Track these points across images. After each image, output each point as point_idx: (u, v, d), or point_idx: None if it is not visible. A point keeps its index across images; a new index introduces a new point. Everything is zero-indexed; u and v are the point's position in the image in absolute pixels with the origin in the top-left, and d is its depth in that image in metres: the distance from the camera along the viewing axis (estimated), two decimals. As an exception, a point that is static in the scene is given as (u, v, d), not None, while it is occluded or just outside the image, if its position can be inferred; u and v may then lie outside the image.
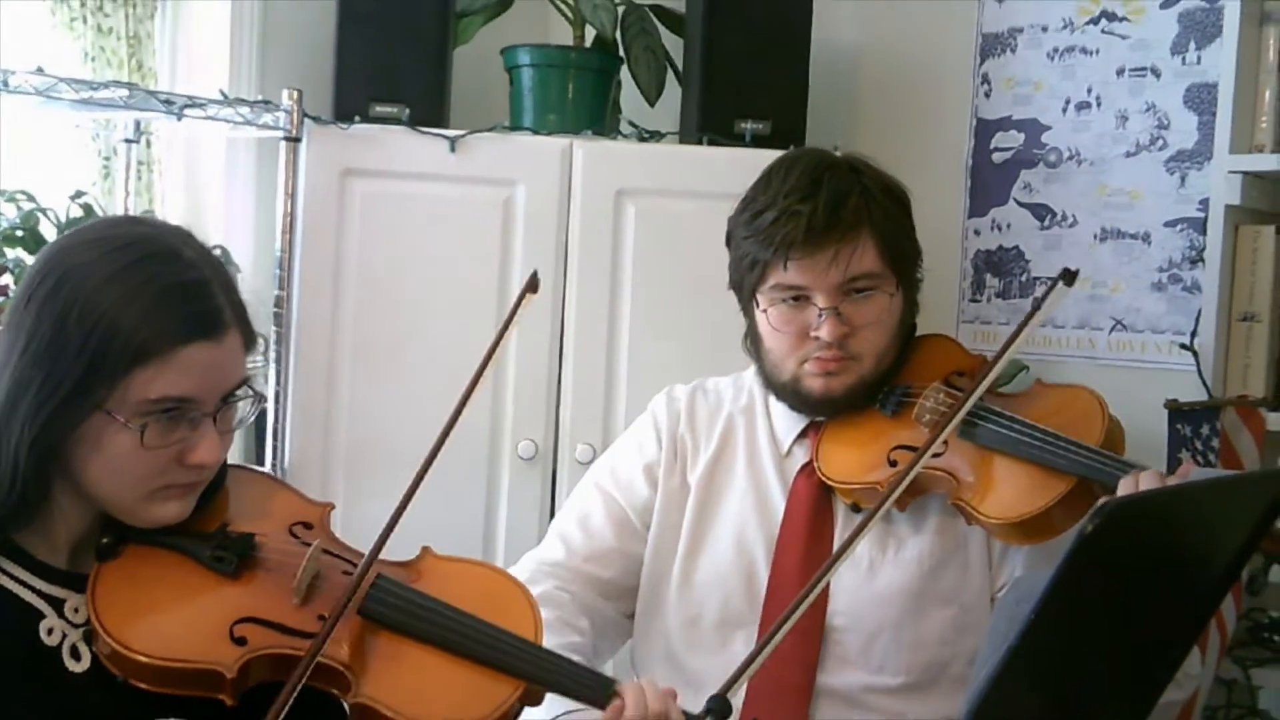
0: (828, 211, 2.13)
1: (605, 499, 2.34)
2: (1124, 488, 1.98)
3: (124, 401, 1.57)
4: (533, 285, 1.85)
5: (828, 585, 2.15)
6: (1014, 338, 2.03)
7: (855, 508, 2.21)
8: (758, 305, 2.21)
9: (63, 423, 1.57)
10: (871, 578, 2.17)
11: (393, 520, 1.71)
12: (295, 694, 1.58)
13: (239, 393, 1.67)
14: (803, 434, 2.29)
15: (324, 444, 3.09)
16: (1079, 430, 2.10)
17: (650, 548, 2.31)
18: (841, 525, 2.22)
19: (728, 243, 2.28)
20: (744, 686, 2.08)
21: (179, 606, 1.65)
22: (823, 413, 2.25)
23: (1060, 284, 2.02)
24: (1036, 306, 2.04)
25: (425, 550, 1.85)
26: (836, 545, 2.20)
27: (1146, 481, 1.97)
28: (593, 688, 1.74)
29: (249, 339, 1.68)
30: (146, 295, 1.58)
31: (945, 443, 2.11)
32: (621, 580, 2.31)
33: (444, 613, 1.73)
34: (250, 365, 1.70)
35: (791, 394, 2.24)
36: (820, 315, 2.15)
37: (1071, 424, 2.11)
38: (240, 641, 1.62)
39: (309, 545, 1.73)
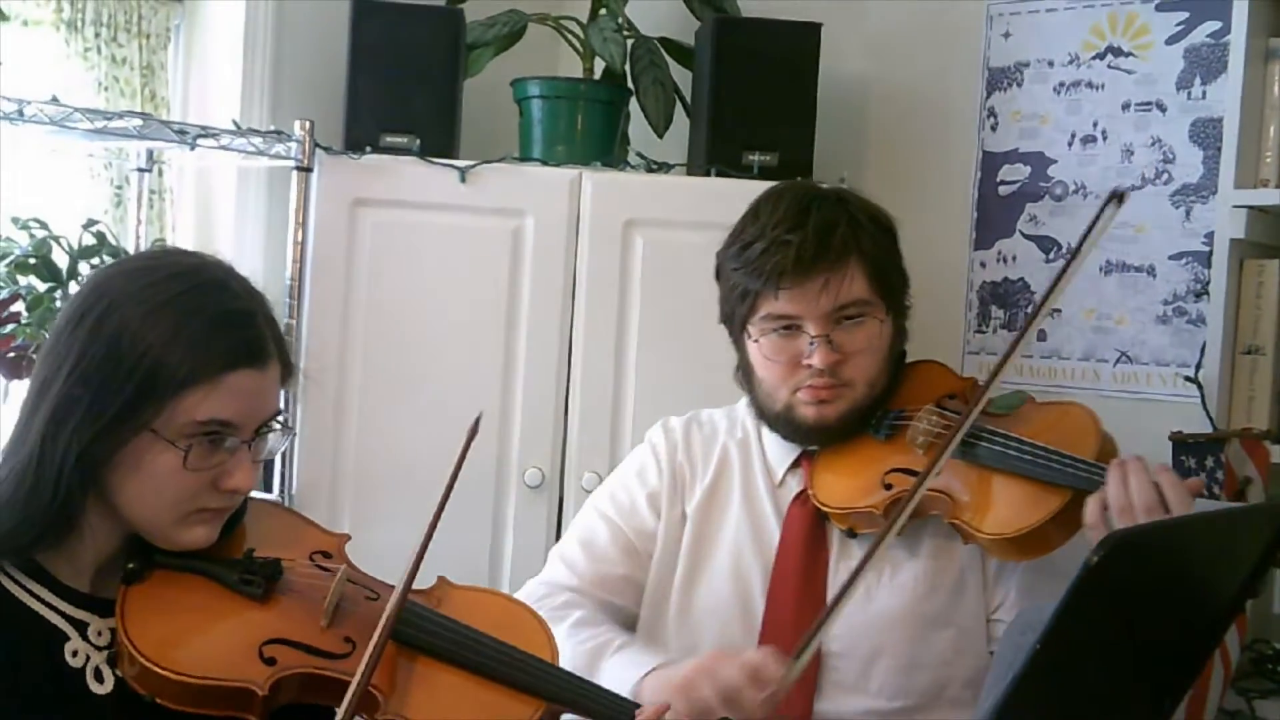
0: (816, 240, 2.15)
1: (609, 525, 2.34)
2: (1112, 482, 1.99)
3: (171, 423, 1.62)
4: (475, 429, 1.87)
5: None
6: (1052, 289, 2.03)
7: (850, 533, 2.22)
8: (749, 336, 2.23)
9: (110, 440, 1.61)
10: (867, 602, 2.18)
11: (421, 549, 1.73)
12: (351, 717, 1.61)
13: (273, 423, 1.71)
14: (796, 463, 2.30)
15: (332, 472, 3.10)
16: (1073, 445, 2.12)
17: (651, 577, 2.32)
18: (836, 552, 2.23)
19: (717, 276, 2.30)
20: None
21: (208, 627, 1.68)
22: (816, 441, 2.26)
23: (1111, 204, 2.00)
24: (1089, 229, 2.01)
25: (441, 579, 1.89)
26: (832, 572, 2.21)
27: (1134, 472, 1.98)
28: (612, 707, 1.78)
29: (287, 371, 1.73)
30: (196, 323, 1.63)
31: (942, 466, 2.12)
32: (628, 608, 2.32)
33: (469, 635, 1.77)
34: None
35: (785, 423, 2.26)
36: (812, 343, 2.17)
37: (1065, 439, 2.13)
38: (270, 661, 1.65)
39: (331, 571, 1.78)
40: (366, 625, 1.70)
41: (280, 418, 1.73)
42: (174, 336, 1.61)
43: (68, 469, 1.60)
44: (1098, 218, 2.00)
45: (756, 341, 2.22)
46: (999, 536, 2.09)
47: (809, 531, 2.24)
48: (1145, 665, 1.66)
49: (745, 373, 2.30)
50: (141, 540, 1.70)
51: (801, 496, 2.26)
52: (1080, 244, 2.02)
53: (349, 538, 1.89)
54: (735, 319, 2.26)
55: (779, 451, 2.32)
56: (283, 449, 1.77)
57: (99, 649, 1.67)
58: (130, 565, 1.69)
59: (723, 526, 2.30)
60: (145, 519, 1.67)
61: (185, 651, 1.63)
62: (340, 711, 1.61)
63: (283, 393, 1.74)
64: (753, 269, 2.18)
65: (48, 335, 1.70)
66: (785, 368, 2.20)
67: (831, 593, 2.17)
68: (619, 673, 2.04)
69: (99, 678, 1.65)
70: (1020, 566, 2.18)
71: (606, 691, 1.82)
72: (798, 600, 2.19)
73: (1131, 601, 1.51)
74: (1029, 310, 3.36)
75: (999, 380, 2.08)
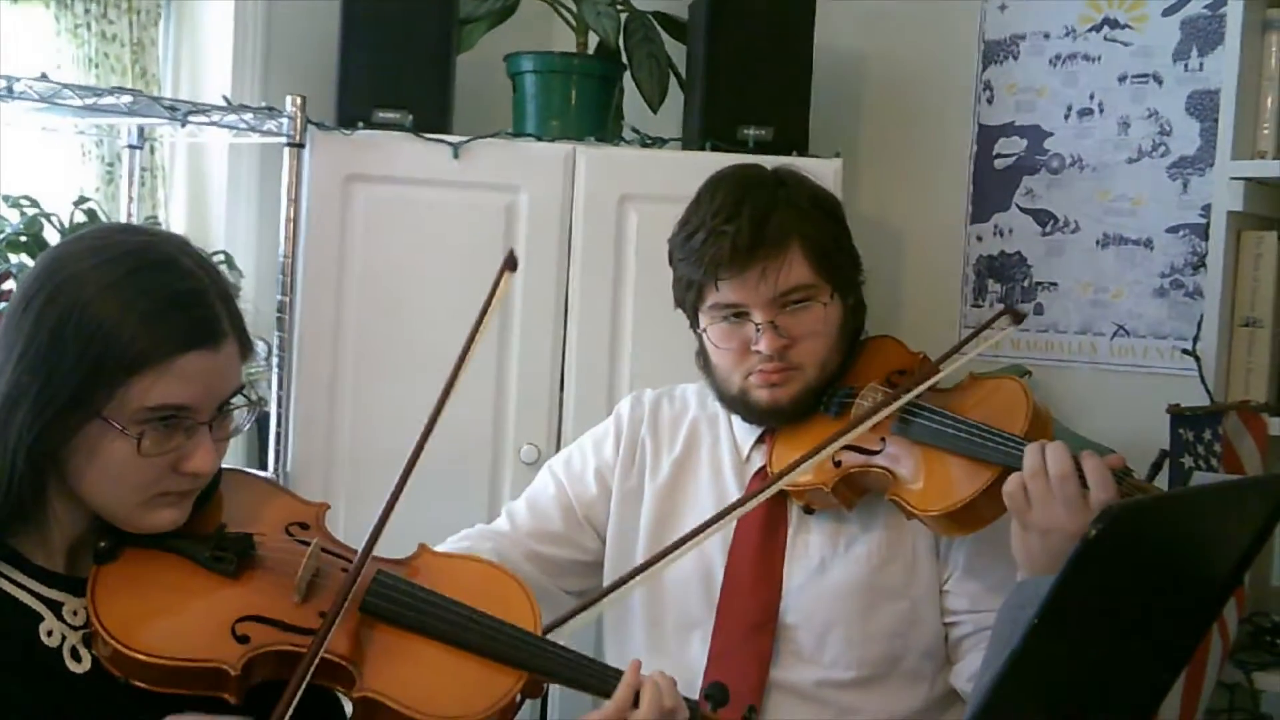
0: (751, 229, 2.18)
1: (556, 486, 2.42)
2: (1028, 455, 2.01)
3: (122, 409, 1.58)
4: (511, 263, 1.85)
5: (781, 582, 2.21)
6: (947, 356, 2.21)
7: (807, 509, 2.27)
8: (699, 324, 2.25)
9: (60, 429, 1.58)
10: (822, 575, 2.21)
11: (385, 512, 1.73)
12: (301, 690, 1.59)
13: (235, 400, 1.68)
14: (760, 440, 2.34)
15: (327, 449, 3.09)
16: (1004, 420, 2.14)
17: (610, 551, 2.37)
18: (794, 527, 2.28)
19: (670, 263, 2.32)
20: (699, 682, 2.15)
21: (180, 607, 1.66)
22: (772, 422, 2.30)
23: (1005, 318, 2.24)
24: (976, 331, 2.23)
25: (422, 546, 1.87)
26: (789, 548, 2.26)
27: (1051, 447, 2.00)
28: (596, 677, 1.76)
29: (245, 347, 1.69)
30: (144, 304, 1.59)
31: (883, 440, 2.17)
32: (560, 561, 2.37)
33: (444, 605, 1.74)
34: (253, 371, 1.71)
35: (741, 406, 2.30)
36: (758, 330, 2.19)
37: (996, 414, 2.16)
38: (243, 640, 1.63)
39: (306, 544, 1.75)
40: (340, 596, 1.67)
41: (244, 393, 1.69)
42: (122, 319, 1.57)
43: (20, 459, 1.57)
44: (990, 322, 2.26)
45: (705, 330, 2.24)
46: (932, 511, 2.12)
47: (768, 507, 2.26)
48: (1143, 638, 1.66)
49: (702, 357, 2.33)
50: None
51: (762, 472, 2.30)
52: (963, 342, 2.22)
53: (327, 507, 1.86)
54: (686, 307, 2.31)
55: (744, 428, 2.36)
56: (250, 424, 1.73)
57: (74, 629, 1.65)
58: (101, 544, 1.67)
59: (690, 500, 2.35)
60: (106, 506, 1.65)
61: (156, 632, 1.61)
62: (292, 681, 1.58)
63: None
64: (695, 259, 2.23)
65: (3, 319, 1.66)
66: (735, 354, 2.24)
67: (789, 565, 2.23)
68: None
69: (76, 657, 1.64)
70: (967, 538, 2.21)
71: (590, 660, 1.80)
72: (754, 574, 2.24)
73: (1130, 575, 1.50)
74: (1025, 284, 3.35)
75: (923, 388, 2.15)
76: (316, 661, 1.61)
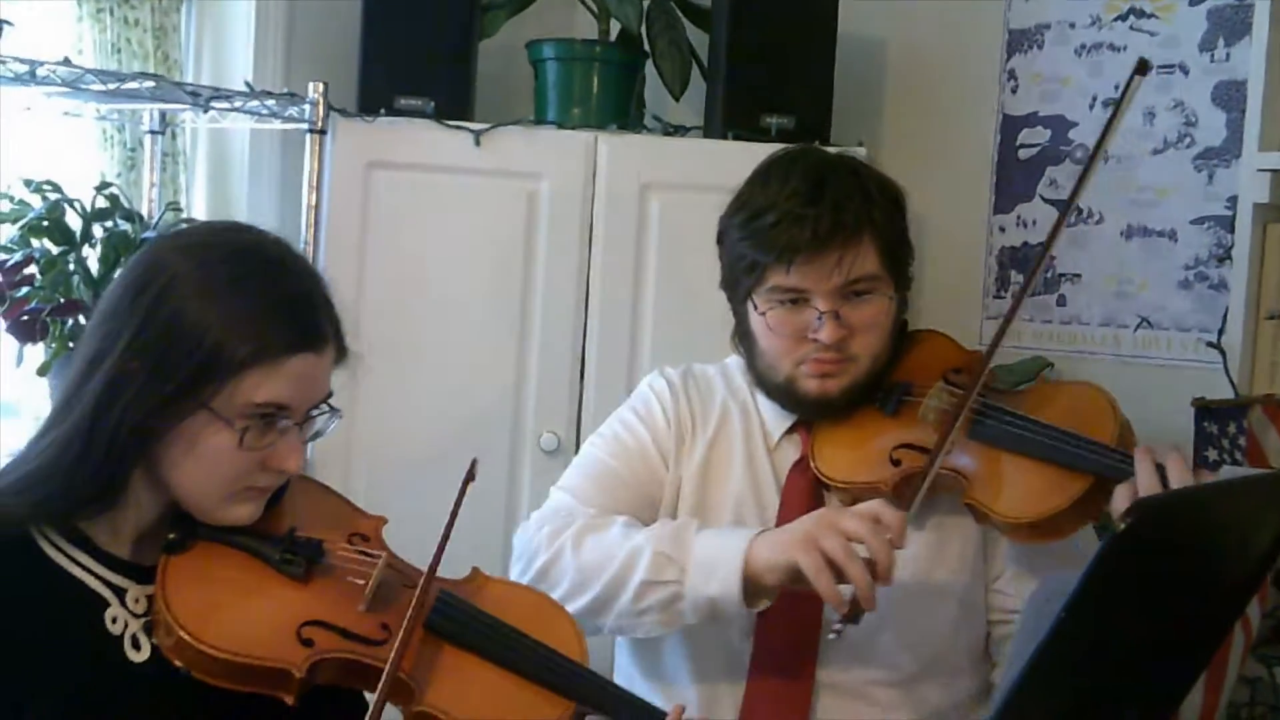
0: (832, 215, 2.12)
1: (616, 464, 2.28)
2: (1142, 471, 1.97)
3: (229, 403, 1.62)
4: (472, 475, 1.84)
5: None
6: (1077, 188, 2.15)
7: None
8: (754, 307, 2.19)
9: (166, 416, 1.62)
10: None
11: (443, 539, 1.72)
12: (382, 708, 1.61)
13: (323, 405, 1.72)
14: (791, 428, 2.28)
15: (347, 437, 3.09)
16: (1092, 428, 2.08)
17: None
18: None
19: (719, 242, 2.26)
20: (742, 684, 2.15)
21: (247, 604, 1.68)
22: (817, 414, 2.23)
23: (1136, 76, 2.08)
24: (1115, 108, 2.11)
25: (475, 570, 1.88)
26: None
27: (1171, 464, 1.96)
28: (640, 712, 1.77)
29: (341, 353, 1.74)
30: (260, 304, 1.64)
31: (954, 442, 2.11)
32: (644, 518, 2.22)
33: (503, 630, 1.76)
34: None
35: (785, 394, 2.23)
36: (820, 318, 2.14)
37: (1083, 421, 2.09)
38: (308, 643, 1.64)
39: (369, 555, 1.77)
40: (404, 613, 1.68)
41: (330, 400, 1.73)
42: (235, 319, 1.61)
43: (119, 440, 1.60)
44: (1126, 87, 2.08)
45: (762, 314, 2.19)
46: (1017, 520, 2.06)
47: (809, 501, 2.21)
48: (1168, 632, 1.65)
49: (745, 340, 2.26)
50: (183, 509, 1.70)
51: (801, 464, 2.24)
52: (1111, 119, 2.08)
53: (385, 521, 1.87)
54: (739, 288, 2.22)
55: (775, 416, 2.29)
56: (330, 430, 1.75)
57: (136, 616, 1.67)
58: (172, 535, 1.69)
59: (726, 483, 2.27)
60: (193, 494, 1.68)
61: (224, 627, 1.63)
62: (375, 698, 1.61)
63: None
64: (763, 241, 2.14)
65: (101, 304, 1.70)
66: (790, 340, 2.18)
67: None
68: (719, 542, 2.04)
69: (136, 645, 1.66)
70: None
71: (635, 697, 1.81)
72: None
73: (1157, 569, 1.49)
74: (1047, 310, 3.34)
75: (1000, 346, 2.10)
76: (394, 674, 1.62)
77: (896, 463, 2.14)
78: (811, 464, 2.20)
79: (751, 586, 1.99)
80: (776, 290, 2.16)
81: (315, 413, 1.71)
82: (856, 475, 2.17)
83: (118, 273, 1.91)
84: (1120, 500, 1.98)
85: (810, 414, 2.24)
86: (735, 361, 2.35)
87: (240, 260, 1.67)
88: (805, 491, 2.22)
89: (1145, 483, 1.96)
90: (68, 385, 1.66)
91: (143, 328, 1.62)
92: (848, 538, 1.92)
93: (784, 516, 2.21)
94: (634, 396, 2.38)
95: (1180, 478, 1.95)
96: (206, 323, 1.61)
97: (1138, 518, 1.35)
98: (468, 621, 1.75)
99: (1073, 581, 1.38)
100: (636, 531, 2.09)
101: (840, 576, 1.92)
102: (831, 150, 2.35)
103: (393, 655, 1.63)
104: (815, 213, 2.11)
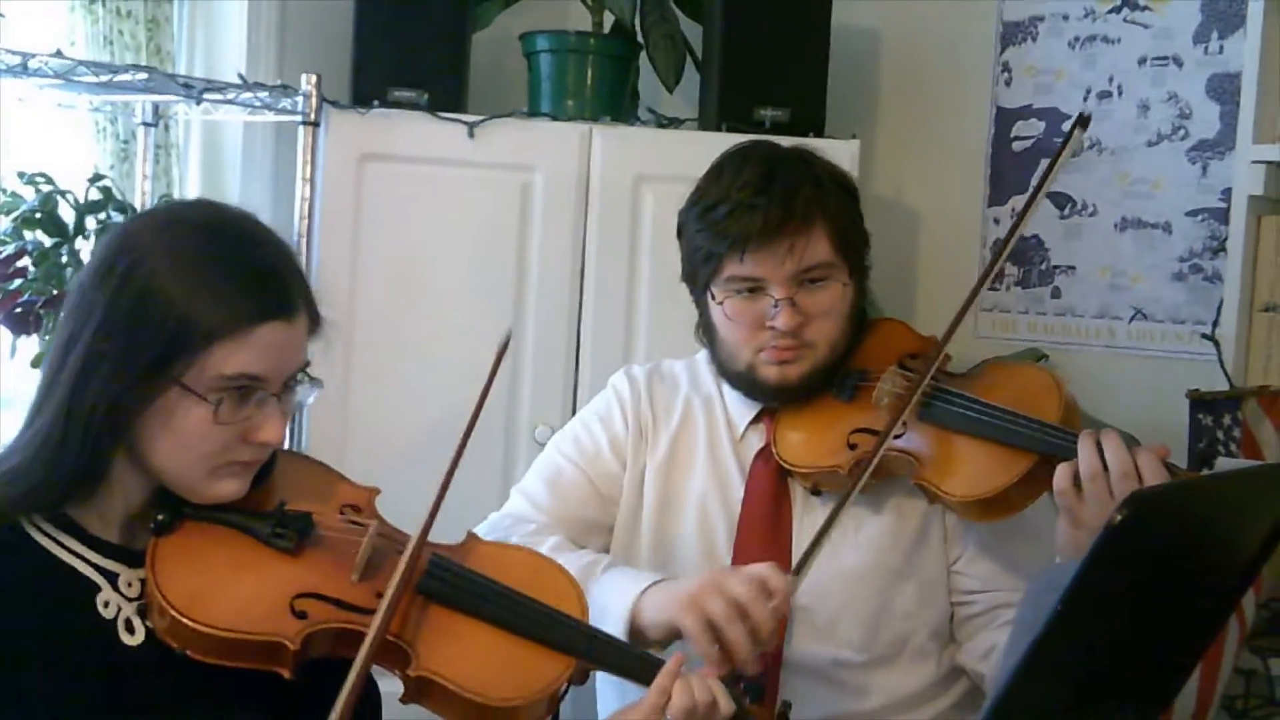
0: (782, 204, 2.16)
1: (574, 468, 2.35)
2: (1084, 450, 1.99)
3: (201, 376, 1.61)
4: (505, 346, 1.85)
5: (790, 565, 2.16)
6: (1011, 234, 2.17)
7: (815, 490, 2.25)
8: (712, 297, 2.24)
9: (138, 395, 1.61)
10: (834, 558, 2.20)
11: (437, 501, 1.74)
12: (366, 670, 1.62)
13: (300, 375, 1.71)
14: (756, 418, 2.32)
15: (342, 428, 3.09)
16: (1036, 407, 2.12)
17: (619, 528, 2.34)
18: (800, 508, 2.26)
19: (679, 235, 2.30)
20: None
21: (239, 580, 1.68)
22: (778, 400, 2.28)
23: (1076, 129, 2.15)
24: (1051, 164, 2.17)
25: (471, 535, 1.90)
26: (796, 528, 2.24)
27: (1109, 441, 1.98)
28: (641, 666, 1.79)
29: (315, 322, 1.73)
30: (225, 275, 1.63)
31: (904, 424, 2.16)
32: (599, 519, 2.33)
33: (498, 589, 1.77)
34: None
35: (746, 382, 2.28)
36: (775, 306, 2.18)
37: (1028, 401, 2.13)
38: (301, 615, 1.65)
39: (360, 525, 1.77)
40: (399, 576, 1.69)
41: (308, 369, 1.72)
42: (203, 290, 1.61)
43: (96, 423, 1.60)
44: (1066, 139, 2.14)
45: (720, 303, 2.23)
46: (965, 498, 2.11)
47: (773, 487, 2.26)
48: (1164, 624, 1.65)
49: (707, 331, 2.31)
50: (171, 491, 1.70)
51: (765, 453, 2.28)
52: (1049, 169, 2.14)
53: (379, 491, 1.88)
54: (698, 279, 2.27)
55: (740, 407, 2.34)
56: (310, 400, 1.75)
57: (129, 600, 1.67)
58: (160, 516, 1.69)
59: (688, 479, 2.32)
60: (175, 472, 1.67)
61: (216, 604, 1.63)
62: (357, 660, 1.61)
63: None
64: (717, 231, 2.19)
65: (72, 289, 1.69)
66: (748, 329, 2.22)
67: (797, 546, 2.21)
68: (613, 589, 2.06)
69: (130, 629, 1.66)
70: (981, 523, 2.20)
71: (635, 649, 1.83)
72: (764, 556, 2.20)
73: (1153, 560, 1.50)
74: (1043, 302, 3.34)
75: (950, 338, 2.14)
76: (379, 640, 1.63)
77: (853, 446, 2.19)
78: (773, 451, 2.24)
79: (638, 636, 2.01)
80: (733, 280, 2.20)
81: (293, 383, 1.70)
82: (816, 460, 2.21)
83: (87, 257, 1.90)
84: (1061, 480, 2.00)
85: (771, 400, 2.29)
86: (705, 355, 2.39)
87: (206, 234, 1.66)
88: (769, 479, 2.27)
89: (1085, 460, 1.98)
90: (45, 373, 1.66)
91: (111, 307, 1.61)
92: (731, 601, 1.92)
93: (748, 505, 2.26)
94: (598, 397, 2.44)
95: (1116, 454, 1.97)
96: (174, 297, 1.60)
97: (1133, 510, 1.35)
98: (460, 583, 1.75)
99: (1069, 574, 1.38)
100: (559, 557, 2.10)
101: (720, 639, 1.92)
102: (795, 143, 2.36)
103: (378, 618, 1.64)
104: (765, 201, 2.16)
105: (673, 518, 2.30)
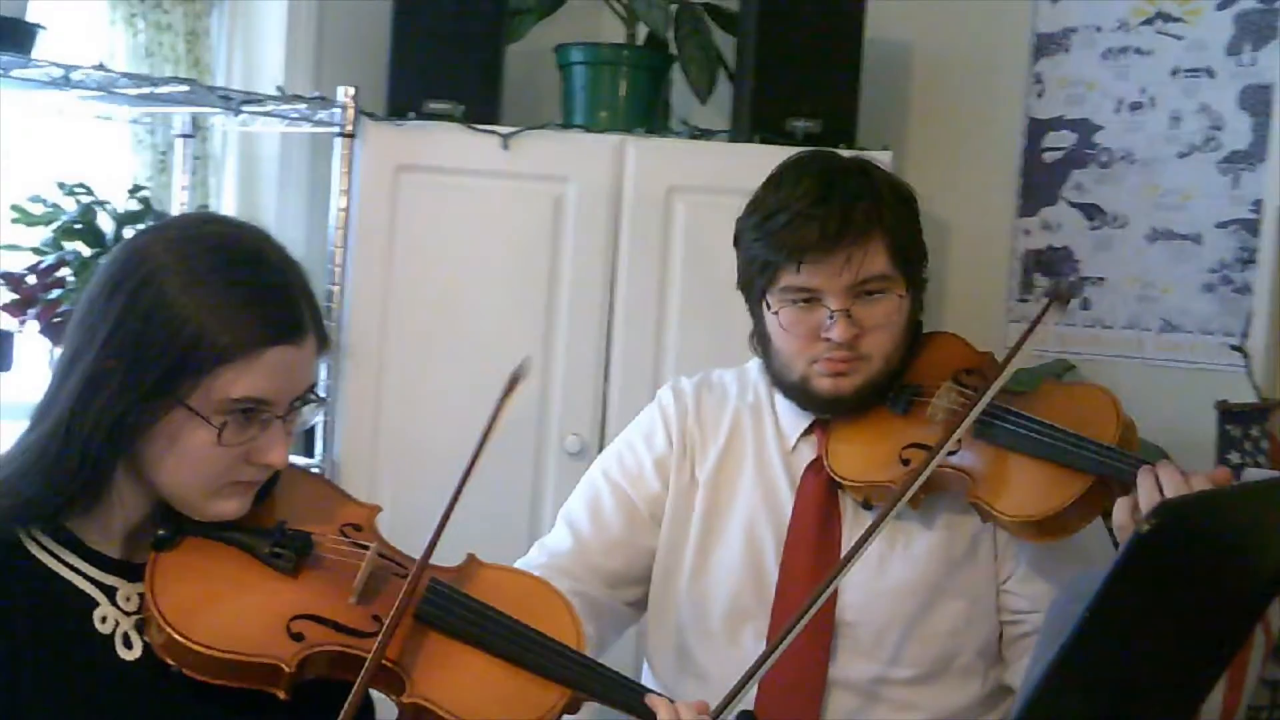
0: (841, 215, 2.14)
1: (615, 490, 2.34)
2: (1143, 483, 1.97)
3: (207, 399, 1.59)
4: (515, 380, 1.85)
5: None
6: (1016, 348, 2.12)
7: (866, 504, 2.22)
8: (768, 307, 2.22)
9: (143, 413, 1.59)
10: (882, 573, 2.19)
11: (440, 527, 1.74)
12: (361, 695, 1.61)
13: (308, 396, 1.69)
14: (808, 430, 2.30)
15: (373, 440, 3.11)
16: (1094, 428, 2.10)
17: (663, 542, 2.32)
18: (850, 522, 2.23)
19: (736, 244, 2.30)
20: (755, 686, 2.11)
21: (237, 600, 1.66)
22: (831, 412, 2.26)
23: (1054, 306, 2.17)
24: (1033, 325, 2.15)
25: (471, 557, 1.87)
26: (845, 541, 2.22)
27: (1166, 475, 1.96)
28: (633, 699, 1.76)
29: (323, 343, 1.71)
30: (234, 297, 1.61)
31: (959, 442, 2.12)
32: (626, 571, 2.32)
33: (494, 618, 1.75)
34: None
35: (800, 393, 2.26)
36: (831, 317, 2.16)
37: (1086, 422, 2.11)
38: (298, 637, 1.64)
39: (360, 546, 1.76)
40: (395, 603, 1.68)
41: (314, 390, 1.70)
42: (212, 312, 1.59)
43: (97, 439, 1.59)
44: (1043, 311, 2.15)
45: (775, 313, 2.21)
46: (1020, 518, 2.08)
47: (823, 500, 2.24)
48: (1190, 634, 1.65)
49: (761, 341, 2.29)
50: (172, 506, 1.69)
51: (816, 465, 2.26)
52: (1024, 338, 2.12)
53: (380, 509, 1.86)
54: (754, 289, 2.25)
55: (792, 417, 2.31)
56: (316, 421, 1.74)
57: (127, 614, 1.66)
58: (161, 532, 1.67)
59: (736, 492, 2.31)
60: (177, 491, 1.66)
61: (212, 623, 1.62)
62: (355, 686, 1.60)
63: (321, 364, 1.72)
64: (775, 241, 2.17)
65: (80, 302, 1.68)
66: (803, 340, 2.20)
67: None
68: None
69: (127, 644, 1.65)
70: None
71: (629, 681, 1.81)
72: (813, 568, 2.20)
73: (1179, 570, 1.50)
74: (1072, 279, 3.34)
75: (1007, 373, 2.09)
76: (377, 664, 1.62)
77: (906, 462, 2.16)
78: (825, 463, 2.23)
79: None
80: (789, 290, 2.18)
81: (299, 404, 1.68)
82: (868, 475, 2.19)
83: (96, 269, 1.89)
84: (1120, 514, 1.99)
85: (824, 412, 2.26)
86: (756, 364, 2.38)
87: (217, 253, 1.64)
88: (820, 491, 2.24)
89: (1146, 496, 1.96)
90: (49, 386, 1.65)
91: (119, 324, 1.59)
92: None
93: (798, 516, 2.24)
94: (644, 412, 2.43)
95: (1173, 484, 1.95)
96: (182, 317, 1.58)
97: (1160, 520, 1.36)
98: (455, 609, 1.74)
99: (1095, 583, 1.39)
100: None
101: None
102: (854, 154, 2.36)
103: (377, 643, 1.63)
104: (824, 212, 2.14)
105: (720, 529, 2.29)
